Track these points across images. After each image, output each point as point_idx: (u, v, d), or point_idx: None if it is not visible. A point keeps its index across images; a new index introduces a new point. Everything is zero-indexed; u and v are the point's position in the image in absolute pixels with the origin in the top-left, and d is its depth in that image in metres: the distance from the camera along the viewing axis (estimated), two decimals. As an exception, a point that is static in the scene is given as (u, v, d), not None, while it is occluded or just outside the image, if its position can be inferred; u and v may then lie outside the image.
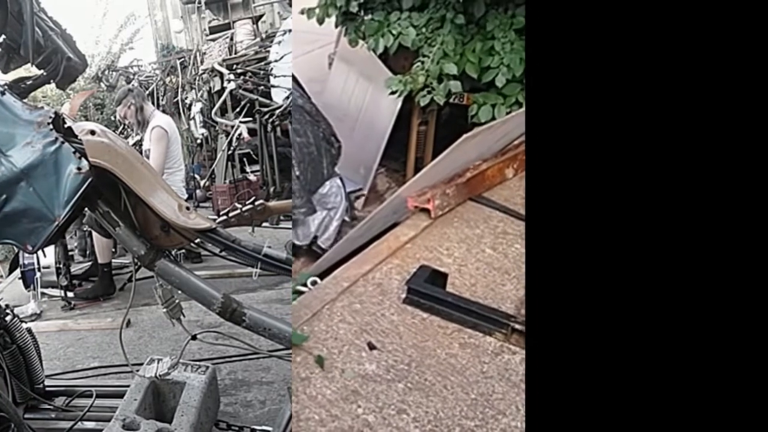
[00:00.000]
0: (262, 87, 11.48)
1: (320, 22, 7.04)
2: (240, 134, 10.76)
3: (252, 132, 10.69)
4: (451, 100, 6.20)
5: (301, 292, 3.41)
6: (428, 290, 3.35)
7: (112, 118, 13.98)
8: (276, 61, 11.37)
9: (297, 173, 6.22)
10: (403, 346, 3.11)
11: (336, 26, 7.29)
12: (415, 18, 6.39)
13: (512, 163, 4.72)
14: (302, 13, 7.05)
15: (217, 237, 2.76)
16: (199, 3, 16.75)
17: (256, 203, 3.40)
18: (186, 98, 13.74)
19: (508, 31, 5.79)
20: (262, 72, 11.85)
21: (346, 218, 6.64)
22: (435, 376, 2.93)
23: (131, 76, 15.33)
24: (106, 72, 15.71)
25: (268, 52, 12.34)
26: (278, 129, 9.86)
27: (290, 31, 11.43)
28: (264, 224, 6.88)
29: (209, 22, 16.65)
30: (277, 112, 9.70)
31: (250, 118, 10.91)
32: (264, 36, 14.24)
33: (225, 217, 3.30)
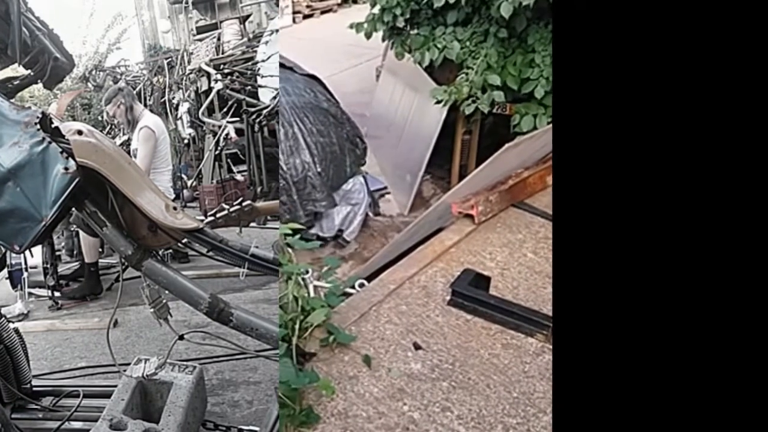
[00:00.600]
0: (249, 87, 11.46)
1: (368, 36, 7.58)
2: (227, 134, 10.73)
3: (239, 132, 10.67)
4: (494, 110, 6.51)
5: (348, 294, 3.59)
6: (472, 293, 3.49)
7: (100, 117, 13.99)
8: (263, 61, 11.34)
9: (318, 170, 6.61)
10: (448, 346, 3.23)
11: (383, 40, 7.91)
12: (459, 32, 6.78)
13: (553, 171, 4.87)
14: (351, 27, 7.58)
15: (205, 237, 2.76)
16: (186, 3, 16.72)
17: (244, 204, 3.40)
18: (173, 98, 13.71)
19: (548, 45, 6.04)
20: (249, 72, 11.82)
21: (370, 213, 7.21)
22: (478, 375, 3.04)
23: (118, 76, 15.29)
24: (94, 72, 15.69)
25: (255, 52, 12.29)
26: (265, 129, 9.85)
27: (277, 31, 11.43)
28: (251, 224, 6.88)
29: (196, 22, 16.61)
30: (265, 112, 9.69)
31: (238, 118, 10.90)
32: (251, 36, 14.20)
33: (212, 218, 3.30)
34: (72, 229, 7.10)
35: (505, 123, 6.59)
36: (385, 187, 8.08)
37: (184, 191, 12.15)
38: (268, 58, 11.05)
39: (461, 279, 3.63)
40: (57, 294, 6.21)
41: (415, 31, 7.36)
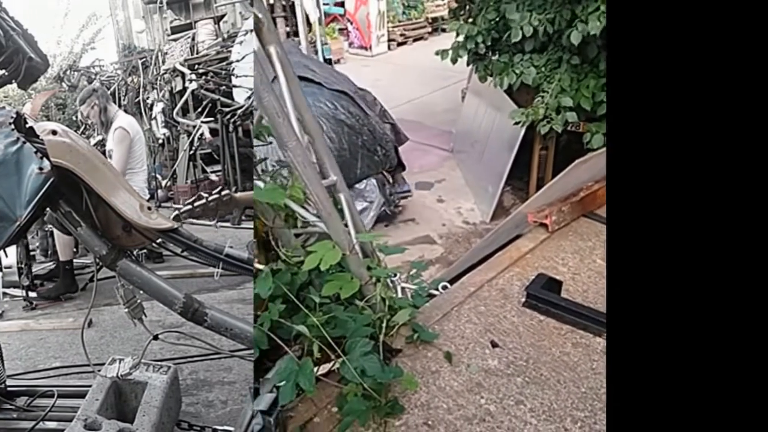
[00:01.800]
0: (223, 87, 11.42)
1: (453, 62, 8.42)
2: (202, 134, 10.70)
3: (214, 132, 10.64)
4: (568, 128, 7.24)
5: (433, 296, 3.91)
6: (545, 295, 3.78)
7: (74, 118, 13.87)
8: (238, 61, 11.32)
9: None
10: (522, 344, 3.51)
11: (468, 65, 8.80)
12: (535, 59, 7.55)
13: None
14: (437, 54, 8.48)
15: (179, 237, 2.77)
16: (161, 3, 16.60)
17: (222, 193, 3.41)
18: (147, 98, 13.63)
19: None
20: (223, 72, 11.79)
21: (388, 210, 8.92)
22: (550, 372, 3.29)
23: (93, 76, 15.18)
24: (68, 72, 15.56)
25: (230, 52, 12.27)
26: (240, 129, 9.83)
27: (252, 30, 11.39)
28: (225, 224, 6.90)
29: (171, 22, 16.49)
30: (239, 112, 9.66)
31: (212, 118, 10.85)
32: (225, 36, 14.17)
33: (190, 207, 3.31)
34: (46, 229, 7.06)
35: (579, 140, 7.28)
36: (408, 191, 9.26)
37: (159, 191, 12.08)
38: (243, 58, 11.02)
39: (535, 282, 3.89)
40: (32, 294, 6.18)
41: (496, 56, 8.13)
